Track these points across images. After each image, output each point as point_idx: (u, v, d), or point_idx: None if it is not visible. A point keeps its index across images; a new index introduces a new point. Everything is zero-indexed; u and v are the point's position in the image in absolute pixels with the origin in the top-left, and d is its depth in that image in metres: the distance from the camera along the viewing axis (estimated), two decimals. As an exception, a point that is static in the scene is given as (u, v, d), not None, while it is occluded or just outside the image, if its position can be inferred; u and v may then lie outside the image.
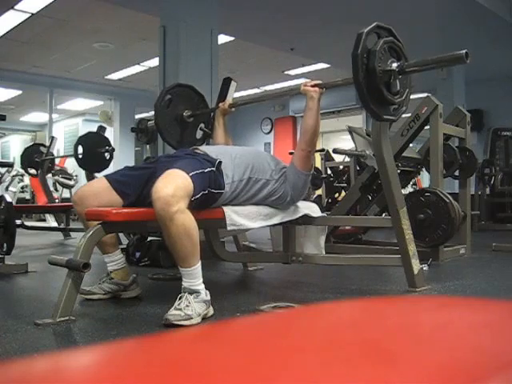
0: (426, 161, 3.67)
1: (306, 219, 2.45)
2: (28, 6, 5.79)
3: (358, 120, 9.68)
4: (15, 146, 12.93)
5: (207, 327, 0.89)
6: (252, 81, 9.17)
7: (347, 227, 4.02)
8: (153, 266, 3.12)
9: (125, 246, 3.32)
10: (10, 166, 6.01)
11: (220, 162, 2.09)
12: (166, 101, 2.75)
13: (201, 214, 1.97)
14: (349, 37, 6.80)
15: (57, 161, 6.73)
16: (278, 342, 0.37)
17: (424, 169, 4.03)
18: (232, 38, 6.67)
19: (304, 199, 2.51)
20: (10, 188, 8.63)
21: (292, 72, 8.86)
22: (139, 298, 2.22)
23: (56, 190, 8.03)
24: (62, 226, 5.27)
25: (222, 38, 6.13)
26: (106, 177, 2.15)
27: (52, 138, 5.77)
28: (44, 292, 2.50)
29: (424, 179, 8.67)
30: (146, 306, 2.07)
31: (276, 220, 2.33)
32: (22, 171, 7.42)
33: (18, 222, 3.24)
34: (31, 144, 6.40)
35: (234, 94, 2.85)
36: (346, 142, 8.93)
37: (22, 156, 5.48)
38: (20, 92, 9.77)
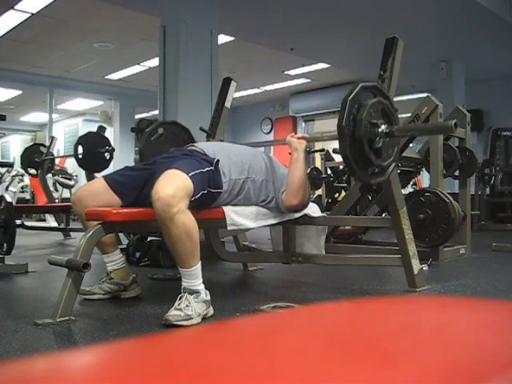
0: (426, 161, 3.67)
1: (306, 219, 2.45)
2: (28, 5, 5.79)
3: (358, 120, 9.66)
4: (15, 145, 12.93)
5: (207, 327, 0.89)
6: (252, 81, 9.16)
7: (347, 227, 4.02)
8: (153, 266, 3.12)
9: (125, 246, 3.32)
10: (10, 166, 6.02)
11: (218, 161, 2.09)
12: (158, 135, 2.76)
13: (201, 214, 1.97)
14: (349, 37, 6.79)
15: (57, 161, 6.73)
16: (278, 341, 0.37)
17: (424, 169, 4.03)
18: (232, 38, 6.67)
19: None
20: (10, 188, 8.63)
21: (292, 72, 8.86)
22: (139, 298, 2.22)
23: (56, 189, 8.03)
24: (62, 226, 5.28)
25: (222, 38, 6.13)
26: (105, 177, 2.15)
27: (52, 138, 5.77)
28: (44, 292, 2.50)
29: (424, 179, 8.67)
30: (146, 306, 2.07)
31: (276, 220, 2.33)
32: (21, 171, 7.42)
33: (18, 222, 3.24)
34: (31, 144, 6.40)
35: (234, 94, 2.85)
36: (346, 142, 8.91)
37: (22, 156, 5.48)
38: (20, 92, 9.77)
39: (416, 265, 2.31)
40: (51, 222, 6.59)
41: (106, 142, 4.58)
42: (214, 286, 2.36)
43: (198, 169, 1.95)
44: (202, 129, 3.08)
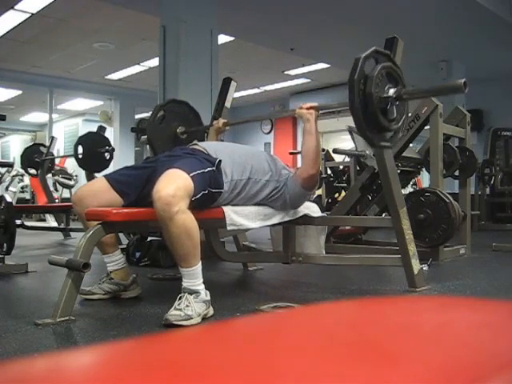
0: (426, 161, 3.67)
1: (306, 219, 2.45)
2: (28, 5, 5.79)
3: (358, 120, 9.67)
4: (15, 145, 12.93)
5: (207, 327, 0.89)
6: (252, 81, 9.17)
7: (347, 227, 4.02)
8: (153, 266, 3.12)
9: (125, 246, 3.32)
10: (10, 166, 6.02)
11: (220, 161, 2.09)
12: (160, 117, 2.74)
13: (201, 214, 1.97)
14: (349, 37, 6.80)
15: (57, 161, 6.73)
16: (278, 341, 0.37)
17: (424, 169, 4.03)
18: (232, 38, 6.67)
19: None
20: (10, 188, 8.63)
21: (292, 72, 8.87)
22: (139, 298, 2.22)
23: (56, 190, 8.03)
24: (62, 226, 5.27)
25: (222, 38, 6.13)
26: (106, 176, 2.15)
27: (52, 138, 5.77)
28: (44, 292, 2.50)
29: (424, 179, 8.67)
30: (146, 306, 2.07)
31: (276, 220, 2.33)
32: (22, 171, 7.42)
33: (18, 222, 3.24)
34: (31, 144, 6.40)
35: (234, 94, 2.85)
36: (346, 142, 8.93)
37: (22, 156, 5.48)
38: (20, 92, 9.78)
39: (416, 265, 2.31)
40: (51, 222, 6.59)
41: (106, 142, 4.58)
42: (214, 286, 2.36)
43: (199, 169, 1.95)
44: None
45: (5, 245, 2.84)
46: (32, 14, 6.02)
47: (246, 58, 7.89)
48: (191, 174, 1.87)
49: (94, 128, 4.88)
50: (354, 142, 4.02)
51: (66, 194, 7.99)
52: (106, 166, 4.50)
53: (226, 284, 2.80)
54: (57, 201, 6.83)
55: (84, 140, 4.49)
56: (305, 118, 2.24)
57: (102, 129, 4.72)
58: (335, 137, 12.81)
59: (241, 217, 2.18)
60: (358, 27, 6.11)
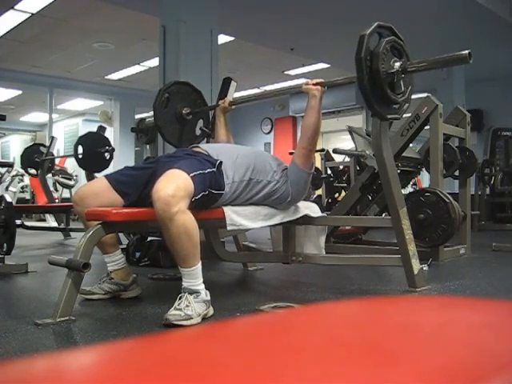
0: (426, 161, 3.67)
1: (306, 219, 2.45)
2: (28, 5, 5.79)
3: (358, 120, 9.68)
4: (15, 146, 12.92)
5: (207, 327, 0.89)
6: (252, 81, 9.16)
7: (347, 227, 4.02)
8: (153, 266, 3.12)
9: (125, 246, 3.32)
10: (10, 166, 6.01)
11: (221, 163, 2.08)
12: (164, 100, 2.75)
13: (201, 214, 1.97)
14: (349, 37, 6.81)
15: (57, 161, 6.73)
16: (278, 341, 0.37)
17: (424, 169, 4.03)
18: (232, 38, 6.67)
19: (304, 199, 2.51)
20: (10, 188, 8.63)
21: (292, 72, 8.87)
22: (139, 298, 2.22)
23: (56, 189, 8.03)
24: (62, 226, 5.27)
25: (222, 38, 6.13)
26: (107, 176, 2.15)
27: (52, 138, 5.77)
28: (44, 292, 2.50)
29: (424, 179, 8.67)
30: (146, 306, 2.07)
31: (276, 220, 2.33)
32: (22, 171, 7.42)
33: (18, 222, 3.24)
34: (31, 144, 6.40)
35: (234, 94, 2.85)
36: (346, 142, 8.93)
37: (22, 156, 5.48)
38: (20, 92, 9.77)
39: (416, 265, 2.31)
40: (51, 222, 6.59)
41: (106, 142, 4.58)
42: (214, 286, 2.36)
43: (199, 169, 1.95)
44: (202, 128, 3.08)
45: (5, 245, 2.84)
46: (32, 14, 6.02)
47: (245, 58, 7.88)
48: (191, 175, 1.87)
49: (93, 128, 4.88)
50: (354, 142, 4.01)
51: (66, 193, 7.99)
52: (106, 166, 4.50)
53: (225, 284, 2.80)
54: (57, 201, 6.83)
55: (84, 140, 4.49)
56: (311, 93, 2.25)
57: (101, 129, 4.72)
58: (335, 137, 12.82)
59: (241, 217, 2.17)
60: (358, 27, 6.08)
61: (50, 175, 6.64)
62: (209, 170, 2.00)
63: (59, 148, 10.20)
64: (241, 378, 0.29)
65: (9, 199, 2.95)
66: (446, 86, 7.43)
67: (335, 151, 4.79)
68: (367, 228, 4.26)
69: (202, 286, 1.86)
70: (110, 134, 7.93)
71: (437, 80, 7.47)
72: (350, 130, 3.92)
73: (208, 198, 2.00)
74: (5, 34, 6.67)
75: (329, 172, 6.41)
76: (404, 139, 3.49)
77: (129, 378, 0.29)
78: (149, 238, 3.31)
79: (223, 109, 2.67)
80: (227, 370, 0.30)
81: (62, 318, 1.77)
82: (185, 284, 1.83)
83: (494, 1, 5.69)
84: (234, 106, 2.70)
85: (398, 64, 1.97)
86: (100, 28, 6.55)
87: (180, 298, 1.81)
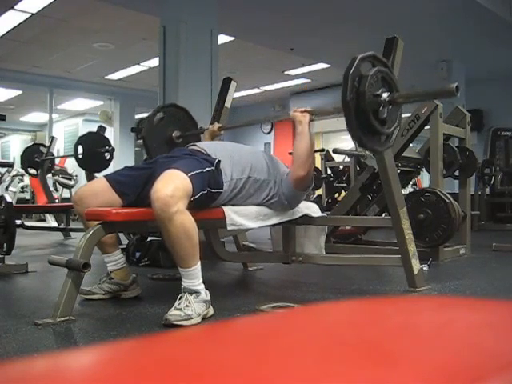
0: (426, 161, 3.67)
1: (306, 219, 2.45)
2: (28, 5, 5.79)
3: (358, 120, 9.66)
4: (15, 146, 12.93)
5: (207, 327, 0.89)
6: (252, 81, 9.17)
7: (347, 227, 4.02)
8: (153, 266, 3.12)
9: (125, 246, 3.32)
10: (10, 166, 6.02)
11: (219, 161, 2.09)
12: (158, 118, 2.75)
13: (201, 214, 1.97)
14: (349, 37, 6.78)
15: (57, 161, 6.73)
16: (278, 341, 0.37)
17: (424, 169, 4.03)
18: (232, 38, 6.67)
19: (304, 199, 2.51)
20: (10, 188, 8.63)
21: (292, 72, 8.87)
22: (139, 298, 2.22)
23: (56, 189, 8.03)
24: (62, 226, 5.27)
25: (222, 38, 6.13)
26: (106, 177, 2.15)
27: (52, 138, 5.77)
28: (44, 292, 2.50)
29: (424, 179, 8.67)
30: (146, 306, 2.07)
31: (276, 220, 2.33)
32: (22, 171, 7.42)
33: (18, 222, 3.24)
34: (31, 144, 6.40)
35: (234, 94, 2.86)
36: (346, 142, 8.94)
37: (22, 156, 5.48)
38: (20, 92, 9.77)
39: (416, 265, 2.31)
40: (51, 222, 6.59)
41: (106, 142, 4.58)
42: (214, 286, 2.36)
43: (197, 169, 1.95)
44: (202, 129, 3.08)
45: (5, 245, 2.84)
46: (32, 14, 6.02)
47: (245, 58, 7.88)
48: (189, 174, 1.87)
49: (93, 128, 4.88)
50: (354, 142, 4.02)
51: (66, 194, 7.99)
52: (106, 166, 4.49)
53: (225, 284, 2.80)
54: (57, 201, 6.83)
55: (84, 140, 4.48)
56: (297, 119, 2.23)
57: (101, 129, 4.72)
58: (335, 137, 12.83)
59: (241, 217, 2.18)
60: (358, 27, 6.11)
61: (50, 175, 6.64)
62: (207, 169, 2.00)
63: (59, 148, 10.20)
64: (241, 377, 0.29)
65: (9, 199, 2.94)
66: (446, 86, 7.42)
67: (335, 151, 4.80)
68: (367, 228, 4.26)
69: (202, 285, 1.86)
70: (110, 134, 7.92)
71: (437, 80, 7.46)
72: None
73: (207, 197, 2.00)
74: (5, 34, 6.67)
75: (329, 172, 6.42)
76: (404, 139, 3.49)
77: (129, 378, 0.29)
78: (149, 238, 3.31)
79: (212, 132, 2.71)
80: (227, 370, 0.30)
81: (62, 318, 1.77)
82: (185, 284, 1.83)
83: (494, 1, 5.68)
84: (222, 131, 2.73)
85: (386, 94, 1.90)
86: (100, 28, 6.55)
87: (180, 298, 1.81)
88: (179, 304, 1.78)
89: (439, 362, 0.31)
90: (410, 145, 3.83)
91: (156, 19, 4.74)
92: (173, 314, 1.74)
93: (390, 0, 5.38)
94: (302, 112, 2.25)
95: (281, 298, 2.24)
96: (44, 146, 5.63)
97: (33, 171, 5.54)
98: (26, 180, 8.83)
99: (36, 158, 5.41)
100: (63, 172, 7.44)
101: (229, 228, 2.15)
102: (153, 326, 1.75)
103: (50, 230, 5.63)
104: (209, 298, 1.87)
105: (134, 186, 2.10)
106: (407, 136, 3.49)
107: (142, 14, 5.67)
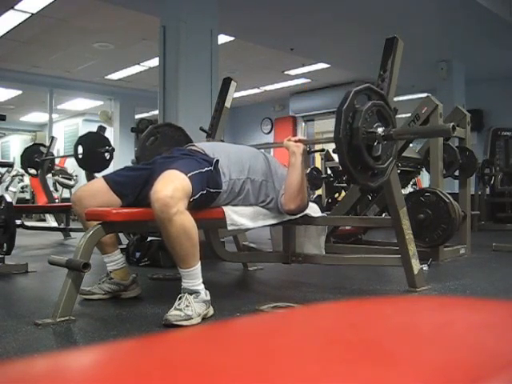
0: (426, 161, 3.67)
1: (306, 219, 2.45)
2: (28, 5, 5.79)
3: (358, 120, 9.66)
4: (15, 146, 12.92)
5: (207, 327, 0.89)
6: (252, 81, 9.16)
7: (347, 227, 4.02)
8: (153, 266, 3.12)
9: (125, 246, 3.32)
10: (10, 166, 6.01)
11: (217, 161, 2.09)
12: (152, 139, 2.75)
13: (201, 214, 1.97)
14: (349, 37, 6.78)
15: (57, 161, 6.73)
16: (278, 342, 0.37)
17: (424, 169, 4.03)
18: (232, 38, 6.66)
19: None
20: (10, 188, 8.62)
21: (292, 72, 8.86)
22: (139, 298, 2.22)
23: (56, 190, 8.03)
24: (62, 226, 5.27)
25: (222, 38, 6.13)
26: (105, 177, 2.15)
27: (52, 138, 5.77)
28: (44, 292, 2.50)
29: (424, 179, 8.66)
30: (146, 306, 2.07)
31: (276, 220, 2.33)
32: (22, 171, 7.42)
33: (18, 222, 3.24)
34: (31, 144, 6.40)
35: (234, 94, 2.85)
36: (346, 142, 8.90)
37: (22, 156, 5.48)
38: (20, 92, 9.77)
39: (416, 265, 2.31)
40: (51, 222, 6.59)
41: (106, 142, 4.57)
42: (214, 286, 2.36)
43: (197, 169, 1.95)
44: (201, 129, 3.08)
45: (5, 245, 2.84)
46: (32, 14, 6.02)
47: (245, 58, 7.88)
48: (189, 175, 1.87)
49: (93, 128, 4.88)
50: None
51: (66, 194, 7.99)
52: (106, 166, 4.49)
53: (225, 284, 2.80)
54: (57, 201, 6.83)
55: (84, 140, 4.48)
56: (291, 149, 2.21)
57: (101, 129, 4.72)
58: (335, 137, 12.78)
59: (241, 217, 2.18)
60: (358, 27, 6.10)
61: (50, 175, 6.64)
62: (206, 169, 2.01)
63: (59, 148, 10.19)
64: (241, 377, 0.29)
65: (9, 199, 2.94)
66: (446, 86, 7.43)
67: (335, 151, 4.79)
68: (367, 228, 4.26)
69: (202, 286, 1.86)
70: (110, 134, 7.92)
71: (437, 80, 7.47)
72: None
73: (206, 197, 2.00)
74: (5, 34, 6.67)
75: (329, 172, 6.41)
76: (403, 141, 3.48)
77: (128, 378, 0.29)
78: (149, 238, 3.31)
79: None
80: (227, 370, 0.30)
81: (62, 318, 1.77)
82: (184, 284, 1.83)
83: (494, 1, 5.68)
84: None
85: (380, 129, 1.86)
86: (100, 28, 6.54)
87: (180, 298, 1.81)
88: (179, 304, 1.78)
89: (439, 362, 0.31)
90: (410, 145, 3.83)
91: (156, 19, 4.74)
92: (173, 314, 1.74)
93: (389, 0, 5.38)
94: (295, 142, 2.23)
95: (281, 298, 2.24)
96: (44, 146, 5.62)
97: (33, 171, 5.54)
98: (26, 180, 8.82)
99: (36, 158, 5.41)
100: (63, 172, 7.44)
101: (229, 228, 2.15)
102: (153, 326, 1.75)
103: (49, 230, 5.63)
104: (209, 298, 1.87)
105: (133, 187, 2.10)
106: (405, 139, 3.48)
107: (141, 13, 5.67)
